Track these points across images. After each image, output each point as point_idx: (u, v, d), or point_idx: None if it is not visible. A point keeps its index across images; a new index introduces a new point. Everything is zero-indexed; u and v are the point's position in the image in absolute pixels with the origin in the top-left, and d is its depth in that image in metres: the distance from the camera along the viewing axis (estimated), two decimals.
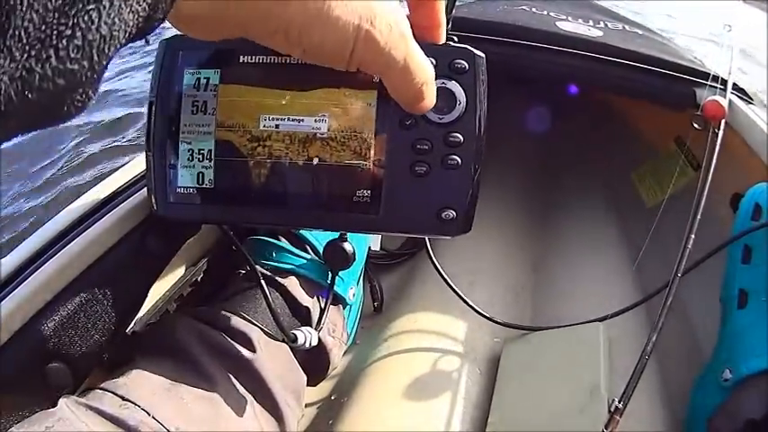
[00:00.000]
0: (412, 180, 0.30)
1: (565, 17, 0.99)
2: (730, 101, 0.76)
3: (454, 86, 0.29)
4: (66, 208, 0.53)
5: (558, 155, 1.23)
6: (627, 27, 1.06)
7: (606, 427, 0.42)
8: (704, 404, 0.54)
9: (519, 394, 0.59)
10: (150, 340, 0.45)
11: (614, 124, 1.22)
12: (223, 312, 0.45)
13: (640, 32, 1.06)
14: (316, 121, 0.29)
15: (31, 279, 0.37)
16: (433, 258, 0.63)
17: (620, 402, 0.43)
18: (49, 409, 0.35)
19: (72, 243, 0.39)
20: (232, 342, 0.44)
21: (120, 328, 0.41)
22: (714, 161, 0.62)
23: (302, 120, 0.29)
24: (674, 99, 0.82)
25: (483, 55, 0.30)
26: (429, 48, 0.27)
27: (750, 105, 0.84)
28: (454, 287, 0.65)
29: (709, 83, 0.77)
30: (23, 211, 1.90)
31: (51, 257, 0.38)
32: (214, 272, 0.58)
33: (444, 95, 0.29)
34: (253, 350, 0.44)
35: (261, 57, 0.30)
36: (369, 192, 0.30)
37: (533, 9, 1.03)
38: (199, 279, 0.57)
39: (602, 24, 1.01)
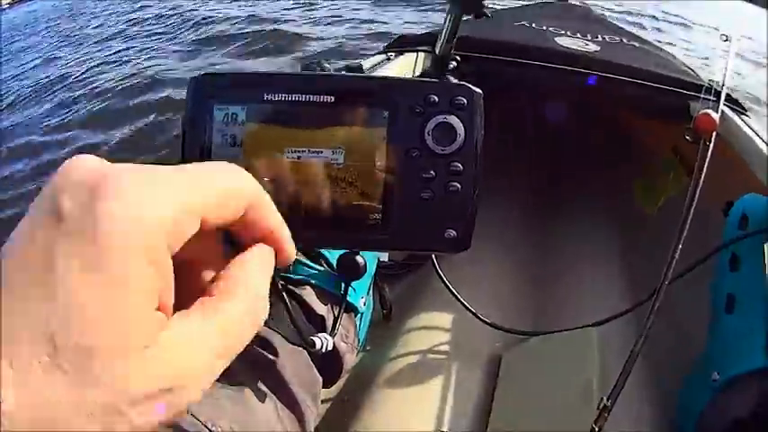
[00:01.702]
0: (418, 205, 0.33)
1: (563, 32, 1.03)
2: (723, 112, 0.78)
3: (454, 121, 0.33)
4: None
5: (559, 165, 1.26)
6: (624, 40, 1.09)
7: (595, 423, 0.45)
8: (693, 403, 0.57)
9: (519, 395, 0.62)
10: None
11: (614, 134, 1.24)
12: None
13: (637, 45, 1.09)
14: (333, 152, 0.33)
15: None
16: (438, 269, 0.66)
17: (608, 400, 0.46)
18: None
19: None
20: (255, 346, 0.47)
21: None
22: (704, 173, 0.64)
23: (321, 151, 0.33)
24: (667, 112, 0.85)
25: (480, 91, 0.33)
26: (433, 85, 0.30)
27: (743, 116, 0.86)
28: (458, 295, 0.68)
29: (702, 95, 0.80)
30: None
31: None
32: None
33: (446, 129, 0.33)
34: (275, 354, 0.48)
35: (283, 95, 0.34)
36: (380, 215, 0.34)
37: (533, 25, 1.07)
38: None
39: (599, 38, 1.04)
